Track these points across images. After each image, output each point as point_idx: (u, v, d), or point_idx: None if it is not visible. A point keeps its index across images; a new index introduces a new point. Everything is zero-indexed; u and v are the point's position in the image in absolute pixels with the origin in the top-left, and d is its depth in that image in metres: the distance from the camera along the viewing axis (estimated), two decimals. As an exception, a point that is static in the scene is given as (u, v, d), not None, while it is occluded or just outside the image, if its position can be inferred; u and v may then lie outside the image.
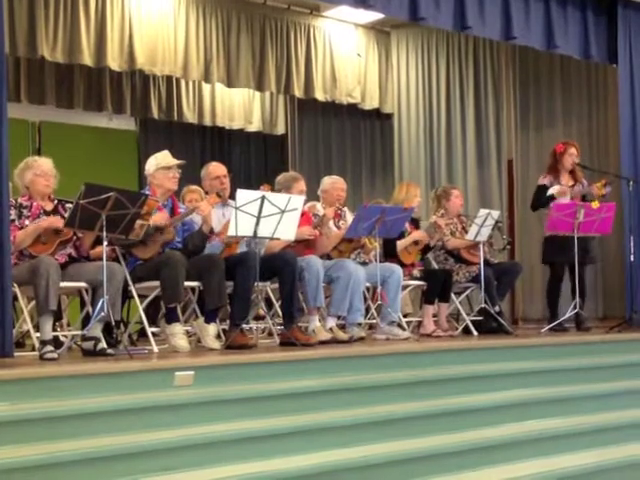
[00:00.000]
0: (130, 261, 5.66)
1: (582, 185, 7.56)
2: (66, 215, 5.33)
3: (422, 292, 7.37)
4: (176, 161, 5.90)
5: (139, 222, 5.35)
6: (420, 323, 7.26)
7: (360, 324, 6.48)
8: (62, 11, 7.93)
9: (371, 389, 5.15)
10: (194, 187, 6.80)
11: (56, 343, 5.26)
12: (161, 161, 5.89)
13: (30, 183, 5.53)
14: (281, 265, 5.89)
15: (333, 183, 6.94)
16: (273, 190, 6.15)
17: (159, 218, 5.64)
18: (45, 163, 5.60)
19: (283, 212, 5.63)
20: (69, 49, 7.98)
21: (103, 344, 5.21)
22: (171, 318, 5.59)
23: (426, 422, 5.15)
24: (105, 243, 5.10)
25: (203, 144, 10.89)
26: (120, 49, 8.21)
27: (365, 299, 6.74)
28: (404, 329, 6.71)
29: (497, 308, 7.11)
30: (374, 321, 6.87)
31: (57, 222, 5.35)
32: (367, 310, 6.83)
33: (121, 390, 4.39)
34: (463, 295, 7.46)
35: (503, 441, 5.25)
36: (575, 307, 7.13)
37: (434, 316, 7.22)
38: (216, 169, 6.32)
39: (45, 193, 5.58)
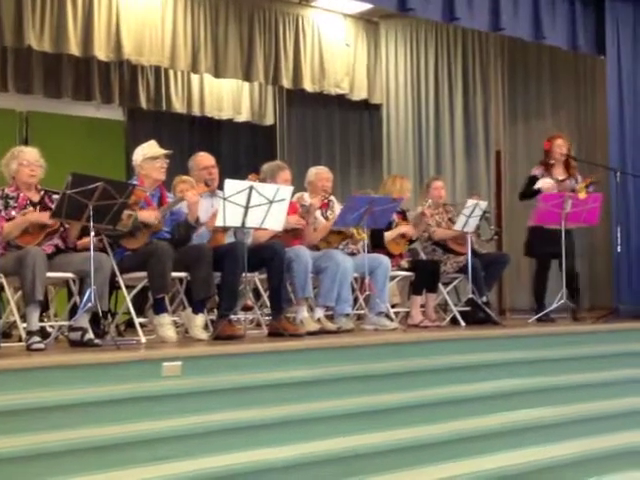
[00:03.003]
0: (117, 251, 5.64)
1: (575, 179, 7.55)
2: (53, 206, 5.31)
3: (410, 283, 7.38)
4: (163, 151, 5.88)
5: (127, 212, 5.34)
6: (408, 314, 7.27)
7: (348, 315, 6.48)
8: (49, 0, 7.88)
9: (359, 379, 5.16)
10: (186, 177, 6.77)
11: (43, 334, 5.25)
12: (148, 151, 5.86)
13: (15, 173, 5.50)
14: (269, 256, 5.89)
15: (317, 173, 6.93)
16: (259, 179, 6.15)
17: (148, 215, 5.61)
18: (30, 153, 5.56)
19: (271, 202, 5.62)
20: (56, 38, 7.91)
21: (90, 335, 5.19)
22: (159, 309, 5.57)
23: (414, 412, 5.17)
24: (92, 233, 5.09)
25: (192, 134, 10.87)
26: (107, 39, 8.16)
27: (353, 290, 6.74)
28: (392, 320, 6.73)
29: (485, 299, 7.13)
30: (362, 312, 6.87)
31: (43, 218, 5.31)
32: (355, 301, 6.83)
33: (109, 381, 4.38)
34: (451, 286, 7.47)
35: (491, 431, 5.28)
36: (562, 298, 7.14)
37: (422, 307, 7.23)
38: (204, 159, 6.31)
39: (30, 183, 5.54)
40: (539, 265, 7.57)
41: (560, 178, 7.52)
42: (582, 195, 7.08)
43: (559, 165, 7.58)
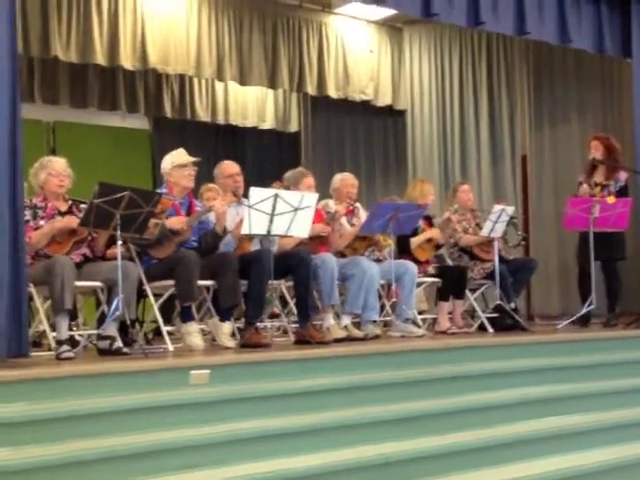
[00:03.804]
0: (145, 260, 5.67)
1: (616, 180, 7.47)
2: (80, 215, 5.34)
3: (437, 289, 7.35)
4: (192, 159, 5.90)
5: (153, 221, 5.36)
6: (435, 320, 7.24)
7: (375, 322, 6.46)
8: (75, 11, 7.94)
9: (387, 387, 5.13)
10: (212, 185, 6.79)
11: (72, 342, 5.28)
12: (177, 159, 5.89)
13: (44, 183, 5.55)
14: (296, 263, 5.88)
15: (342, 180, 6.93)
16: (283, 187, 6.16)
17: (176, 222, 5.64)
18: (59, 163, 5.61)
19: (296, 210, 5.62)
20: (82, 49, 7.99)
21: (119, 343, 5.22)
22: (186, 317, 5.60)
23: (442, 420, 5.13)
24: (120, 242, 5.11)
25: (216, 142, 10.89)
26: (133, 48, 8.22)
27: (380, 296, 6.72)
28: (419, 326, 6.71)
29: (512, 305, 7.09)
30: (389, 318, 6.85)
31: (72, 222, 5.37)
32: (382, 307, 6.81)
33: (137, 389, 4.40)
34: (478, 292, 7.43)
35: (521, 438, 5.22)
36: (590, 305, 7.06)
37: (449, 313, 7.20)
38: (229, 167, 6.33)
39: (59, 193, 5.59)
40: (578, 269, 7.52)
41: (598, 181, 7.47)
42: (611, 199, 7.02)
43: (602, 167, 7.52)
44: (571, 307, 8.41)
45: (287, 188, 6.24)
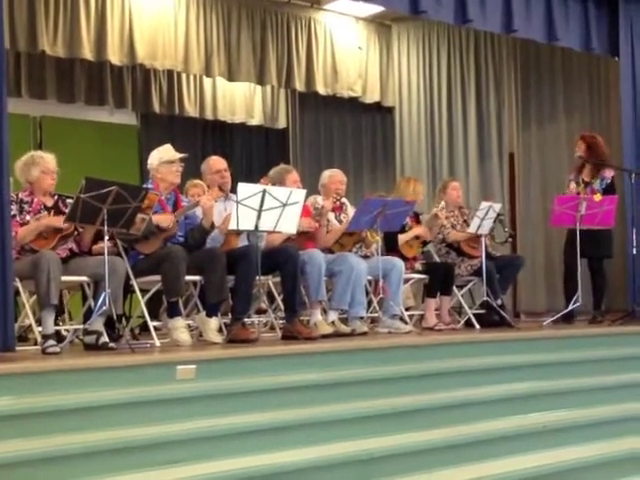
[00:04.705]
0: (131, 255, 5.66)
1: (602, 178, 7.51)
2: (66, 210, 5.33)
3: (424, 285, 7.36)
4: (179, 155, 5.89)
5: (140, 216, 5.35)
6: (422, 316, 7.25)
7: (362, 318, 6.47)
8: (62, 5, 7.92)
9: (373, 382, 5.15)
10: (197, 181, 6.80)
11: (58, 337, 5.28)
12: (164, 155, 5.88)
13: (36, 180, 5.51)
14: (283, 259, 5.88)
15: (331, 176, 6.92)
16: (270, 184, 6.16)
17: (163, 219, 5.62)
18: (51, 160, 5.59)
19: (284, 205, 5.62)
20: (69, 43, 7.96)
21: (105, 338, 5.21)
22: (173, 312, 5.59)
23: (428, 415, 5.15)
24: (106, 237, 5.10)
25: (204, 138, 10.87)
26: (120, 43, 8.20)
27: (367, 293, 6.73)
28: (406, 323, 6.72)
29: (499, 301, 7.11)
30: (376, 315, 6.86)
31: (56, 222, 5.34)
32: (369, 304, 6.82)
33: (123, 384, 4.39)
34: (465, 288, 7.44)
35: (506, 434, 5.26)
36: (576, 302, 7.10)
37: (436, 309, 7.21)
38: (216, 163, 6.32)
39: (49, 190, 5.59)
40: (564, 267, 7.56)
41: (584, 179, 7.51)
42: (597, 197, 7.06)
43: (588, 165, 7.55)
44: (557, 304, 8.45)
45: (272, 185, 6.24)
